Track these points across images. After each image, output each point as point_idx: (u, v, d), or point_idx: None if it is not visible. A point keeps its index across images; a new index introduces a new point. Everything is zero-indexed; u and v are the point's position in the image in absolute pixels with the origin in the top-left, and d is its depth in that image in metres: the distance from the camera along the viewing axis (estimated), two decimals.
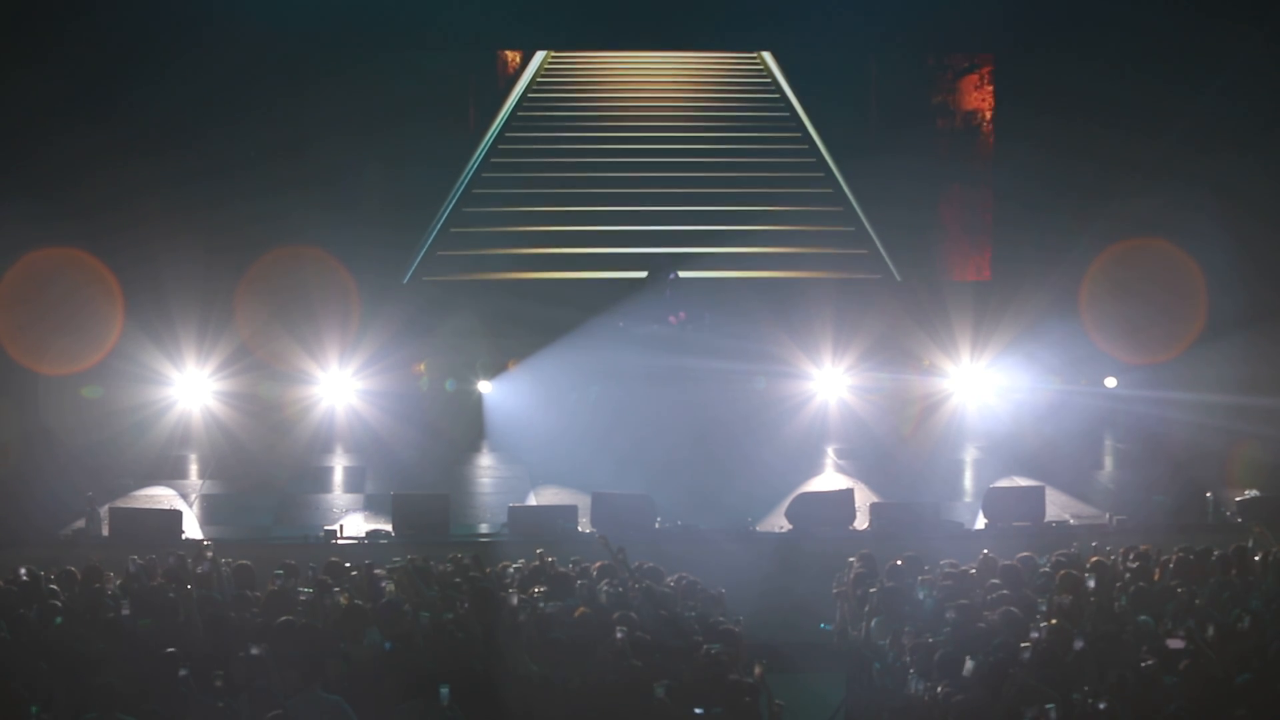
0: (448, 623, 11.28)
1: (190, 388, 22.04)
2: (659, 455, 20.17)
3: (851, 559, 14.00)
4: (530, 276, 24.02)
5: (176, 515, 17.16)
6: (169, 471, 20.24)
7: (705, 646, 10.98)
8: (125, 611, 11.62)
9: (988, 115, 24.63)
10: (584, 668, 10.63)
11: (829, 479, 20.27)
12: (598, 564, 13.35)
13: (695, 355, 22.17)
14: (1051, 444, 21.11)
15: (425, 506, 17.45)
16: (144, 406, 21.69)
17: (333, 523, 17.62)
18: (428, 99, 23.65)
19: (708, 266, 23.93)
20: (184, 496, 19.20)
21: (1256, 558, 13.48)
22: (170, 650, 10.47)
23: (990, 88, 24.63)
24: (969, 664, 10.39)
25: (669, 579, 13.19)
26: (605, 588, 12.58)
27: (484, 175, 24.22)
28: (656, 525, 17.39)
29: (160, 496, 19.10)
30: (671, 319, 23.05)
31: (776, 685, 10.56)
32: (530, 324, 22.97)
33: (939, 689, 10.54)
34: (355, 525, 17.72)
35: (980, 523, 17.89)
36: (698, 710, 10.02)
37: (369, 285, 23.08)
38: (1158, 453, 21.12)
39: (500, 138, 24.38)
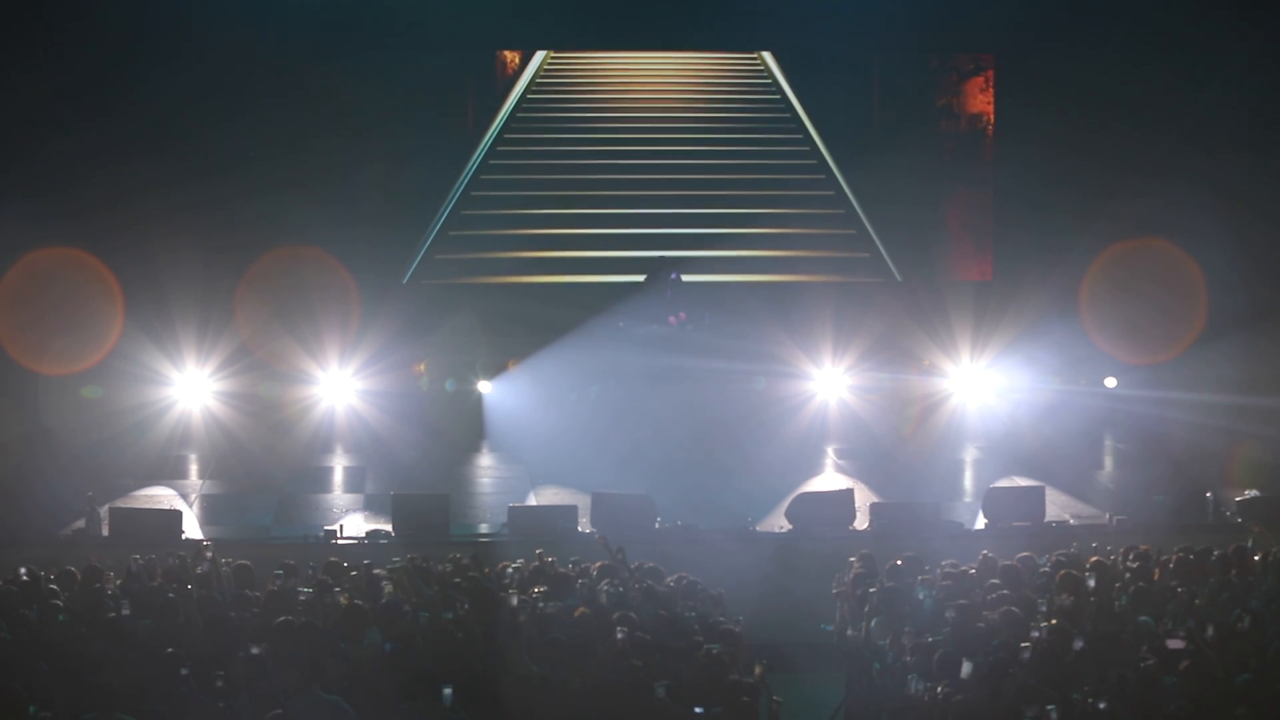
0: (448, 623, 11.26)
1: (190, 388, 22.02)
2: (659, 455, 20.16)
3: (851, 559, 13.99)
4: (530, 280, 23.99)
5: (176, 515, 17.14)
6: (169, 471, 20.22)
7: (705, 646, 10.97)
8: (125, 611, 11.60)
9: (989, 116, 24.62)
10: (584, 668, 10.61)
11: (829, 479, 20.24)
12: (598, 564, 13.34)
13: (695, 355, 22.15)
14: (1051, 444, 21.08)
15: (425, 506, 17.43)
16: (144, 406, 21.68)
17: (333, 523, 17.60)
18: (427, 99, 23.66)
19: (708, 269, 23.89)
20: (184, 496, 19.18)
21: (1256, 558, 13.47)
22: (170, 650, 10.44)
23: (991, 88, 24.61)
24: (968, 664, 10.38)
25: (669, 579, 13.18)
26: (605, 588, 12.57)
27: (483, 176, 24.21)
28: (656, 525, 17.37)
29: (160, 496, 19.08)
30: (671, 319, 23.05)
31: (776, 685, 10.52)
32: (530, 324, 22.95)
33: (939, 689, 10.52)
34: (355, 525, 17.70)
35: (980, 523, 17.87)
36: (698, 710, 10.00)
37: (369, 285, 23.07)
38: (1158, 453, 21.11)
39: (499, 138, 24.35)
